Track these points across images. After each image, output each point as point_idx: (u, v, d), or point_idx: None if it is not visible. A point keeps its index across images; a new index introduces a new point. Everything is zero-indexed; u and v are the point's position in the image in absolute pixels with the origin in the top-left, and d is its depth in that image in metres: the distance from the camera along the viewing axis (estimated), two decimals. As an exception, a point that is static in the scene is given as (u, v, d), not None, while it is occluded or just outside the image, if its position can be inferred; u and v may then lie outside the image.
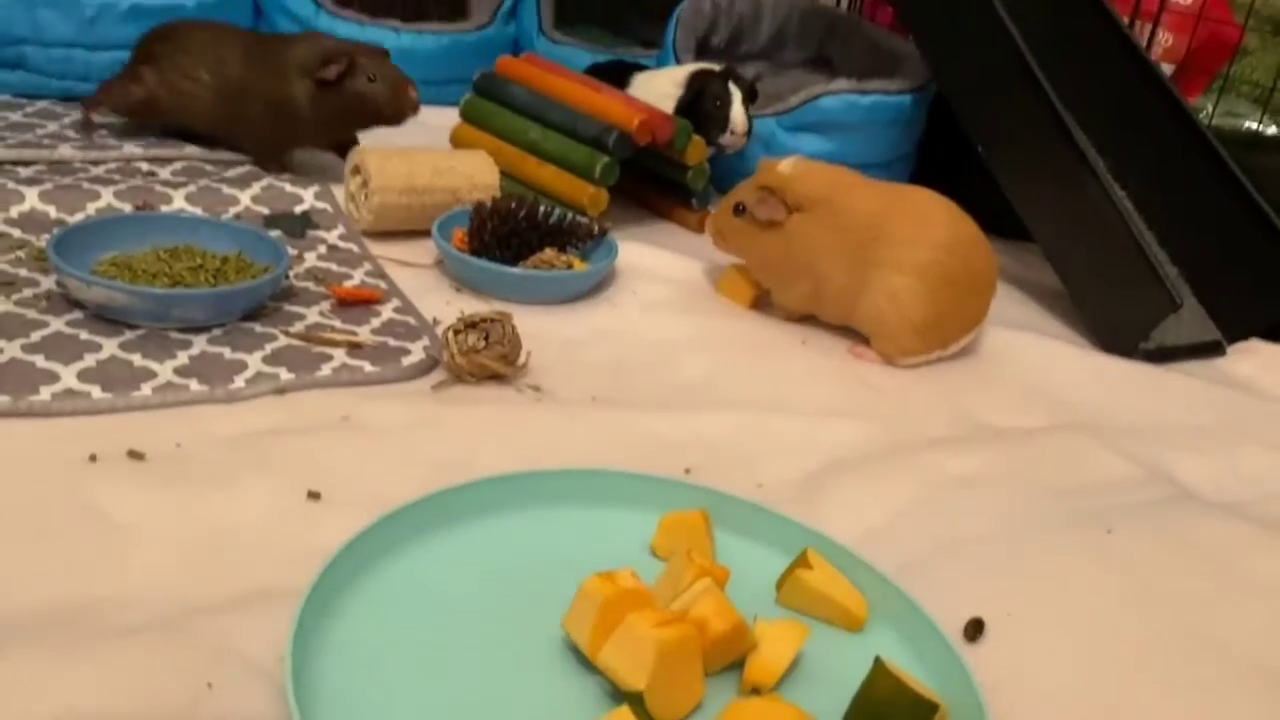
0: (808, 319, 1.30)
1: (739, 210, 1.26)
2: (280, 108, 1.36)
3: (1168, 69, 1.79)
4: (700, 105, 1.49)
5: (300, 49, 1.36)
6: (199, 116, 1.41)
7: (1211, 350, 1.43)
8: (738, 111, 1.49)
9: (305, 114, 1.36)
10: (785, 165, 1.25)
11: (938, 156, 1.75)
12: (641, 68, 1.66)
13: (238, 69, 1.37)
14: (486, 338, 1.04)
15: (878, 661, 0.69)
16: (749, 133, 1.52)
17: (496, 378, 1.05)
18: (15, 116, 1.47)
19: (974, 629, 0.79)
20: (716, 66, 1.53)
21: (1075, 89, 1.52)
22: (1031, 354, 1.31)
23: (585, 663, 0.70)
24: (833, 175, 1.26)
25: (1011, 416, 1.16)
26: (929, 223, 1.21)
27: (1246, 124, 1.83)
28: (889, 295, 1.20)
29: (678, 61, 1.73)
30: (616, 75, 1.60)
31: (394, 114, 1.37)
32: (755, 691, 0.71)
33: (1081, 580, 0.86)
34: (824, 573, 0.80)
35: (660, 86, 1.53)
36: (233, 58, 1.38)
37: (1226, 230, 1.49)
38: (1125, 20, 1.65)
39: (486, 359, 1.03)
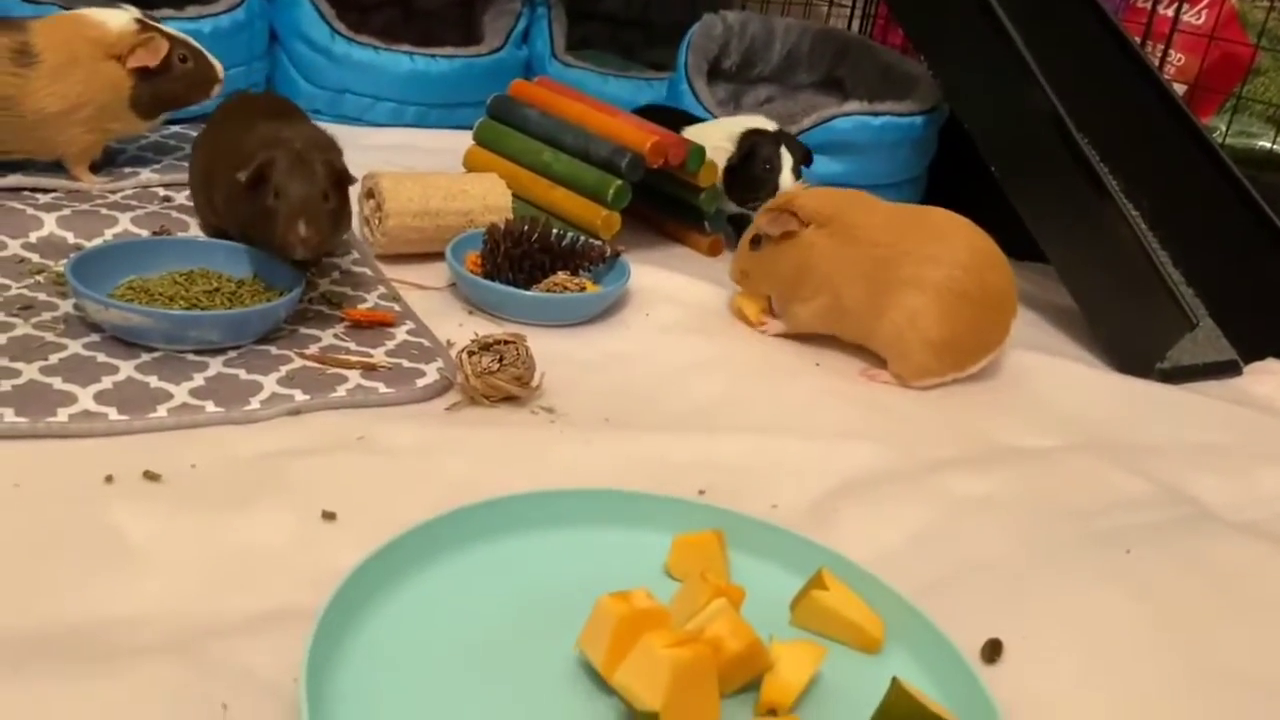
0: (821, 341, 1.29)
1: (755, 243, 1.27)
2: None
3: (1180, 89, 1.79)
4: (750, 167, 1.45)
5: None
6: None
7: (1228, 370, 1.42)
8: (787, 179, 1.45)
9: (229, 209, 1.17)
10: (793, 188, 1.26)
11: (949, 178, 1.75)
12: (691, 117, 1.62)
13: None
14: (501, 359, 1.04)
15: (895, 682, 0.69)
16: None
17: (511, 399, 1.05)
18: (35, 143, 1.48)
19: (992, 650, 0.79)
20: (770, 126, 1.49)
21: (1088, 110, 1.52)
22: (1046, 375, 1.30)
23: (600, 683, 0.70)
24: (842, 193, 1.27)
25: (1027, 437, 1.15)
26: (949, 241, 1.21)
27: (1260, 143, 1.83)
28: (908, 314, 1.19)
29: (689, 85, 1.74)
30: (670, 122, 1.54)
31: (279, 245, 1.08)
32: (772, 713, 0.70)
33: (1099, 601, 0.85)
34: (840, 593, 0.79)
35: (713, 139, 1.48)
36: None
37: (1241, 249, 1.49)
38: (1137, 40, 1.65)
39: (501, 380, 1.03)
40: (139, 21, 1.29)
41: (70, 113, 1.27)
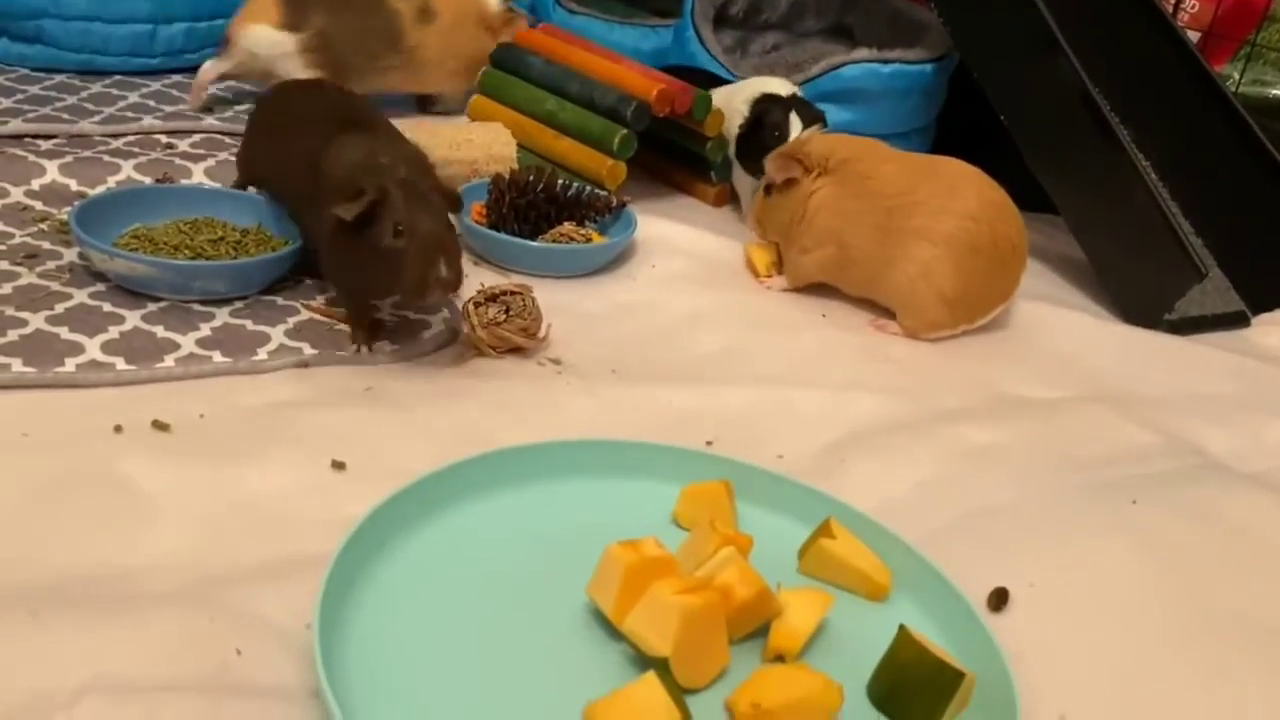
0: (828, 292, 1.29)
1: (767, 191, 1.27)
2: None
3: (1194, 36, 1.77)
4: (759, 134, 1.40)
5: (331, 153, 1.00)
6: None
7: (1236, 321, 1.41)
8: None
9: (324, 250, 1.02)
10: (808, 133, 1.25)
11: (958, 127, 1.73)
12: (715, 79, 1.59)
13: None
14: (508, 310, 1.04)
15: (902, 629, 0.69)
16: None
17: (517, 350, 1.05)
18: (34, 90, 1.47)
19: (998, 599, 0.79)
20: (785, 90, 1.44)
21: (1100, 57, 1.50)
22: (1054, 326, 1.30)
23: (610, 630, 0.71)
24: (854, 141, 1.25)
25: (1034, 388, 1.15)
26: (960, 192, 1.20)
27: (1274, 91, 1.81)
28: (920, 267, 1.18)
29: (695, 31, 1.71)
30: (693, 84, 1.49)
31: (412, 289, 0.94)
32: (779, 659, 0.71)
33: (1105, 551, 0.86)
34: (847, 542, 0.79)
35: (732, 103, 1.44)
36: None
37: (1253, 199, 1.48)
38: (1151, -13, 1.62)
39: (508, 331, 1.03)
40: (506, 5, 1.61)
41: (446, 62, 1.57)
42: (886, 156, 1.24)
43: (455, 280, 0.93)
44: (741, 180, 1.48)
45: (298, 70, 1.43)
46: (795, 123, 1.40)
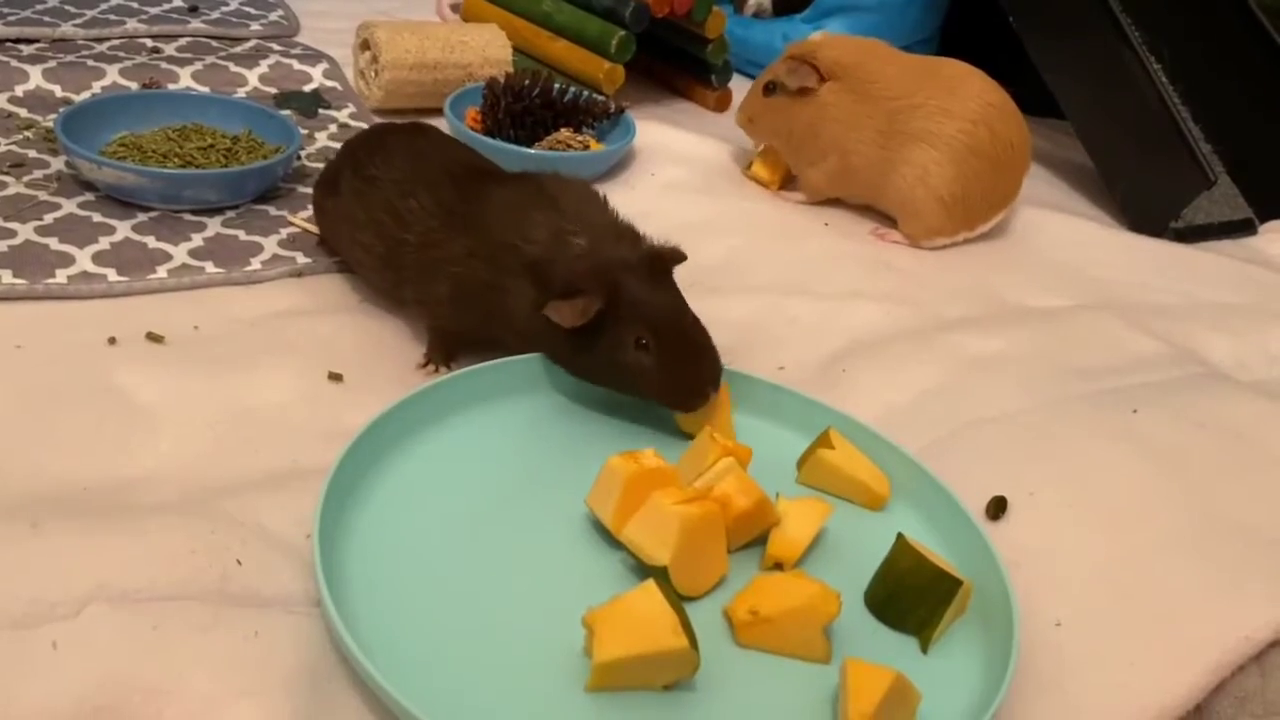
0: (830, 200, 1.27)
1: (769, 89, 1.23)
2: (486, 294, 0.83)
3: (1210, -67, 1.70)
4: None
5: (531, 234, 0.81)
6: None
7: (1243, 229, 1.39)
8: None
9: (519, 326, 0.83)
10: (815, 36, 1.22)
11: (964, 37, 1.68)
12: None
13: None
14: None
15: (900, 537, 0.69)
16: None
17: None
18: (14, -8, 1.42)
19: (996, 507, 0.79)
20: None
21: (1113, -45, 1.45)
22: (1059, 233, 1.28)
23: (609, 539, 0.71)
24: (864, 43, 1.22)
25: (1038, 296, 1.14)
26: (960, 93, 1.17)
27: (1291, -9, 1.75)
28: (919, 171, 1.17)
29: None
30: None
31: (674, 406, 0.80)
32: (778, 567, 0.71)
33: (1106, 459, 0.85)
34: (845, 452, 0.79)
35: None
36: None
37: (1264, 105, 1.44)
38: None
39: None
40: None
41: None
42: (889, 58, 1.21)
43: (717, 382, 0.79)
44: None
45: None
46: None
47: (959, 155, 1.16)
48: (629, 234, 0.83)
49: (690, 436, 0.80)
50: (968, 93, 1.17)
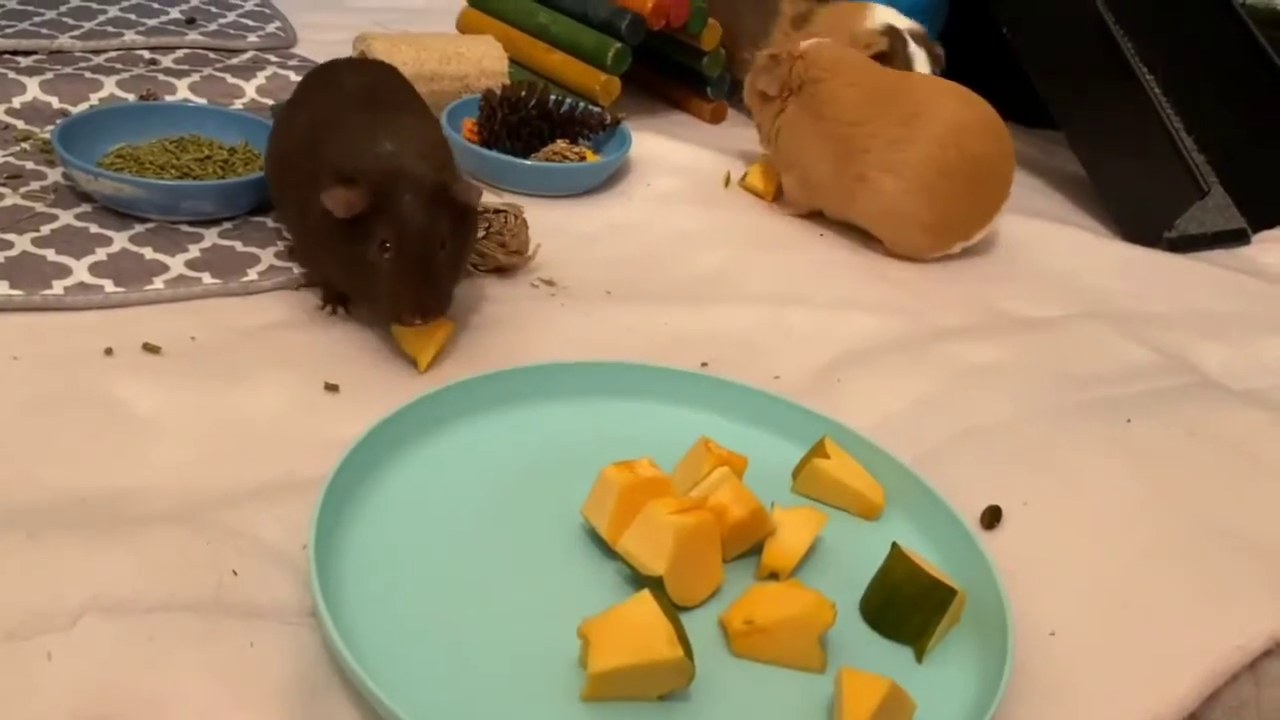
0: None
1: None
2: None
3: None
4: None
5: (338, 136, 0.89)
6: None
7: (1236, 238, 1.40)
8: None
9: (310, 224, 0.88)
10: (807, 42, 1.22)
11: (961, 47, 1.69)
12: None
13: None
14: (489, 228, 1.02)
15: (895, 547, 0.70)
16: None
17: (500, 270, 1.04)
18: (11, 4, 1.42)
19: (991, 517, 0.80)
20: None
21: (1105, -33, 1.46)
22: (1053, 243, 1.29)
23: (605, 549, 0.71)
24: (840, 58, 1.20)
25: (1032, 306, 1.14)
26: (924, 117, 1.15)
27: (1282, 2, 1.76)
28: (888, 200, 1.15)
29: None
30: None
31: (386, 312, 0.87)
32: (773, 576, 0.71)
33: (1100, 469, 0.86)
34: (841, 461, 0.80)
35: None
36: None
37: (1256, 115, 1.45)
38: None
39: (485, 248, 1.02)
40: (888, 27, 1.34)
41: None
42: (854, 78, 1.18)
43: (436, 308, 0.85)
44: None
45: None
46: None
47: (929, 182, 1.14)
48: (438, 161, 0.88)
49: (412, 360, 0.87)
50: (932, 116, 1.15)
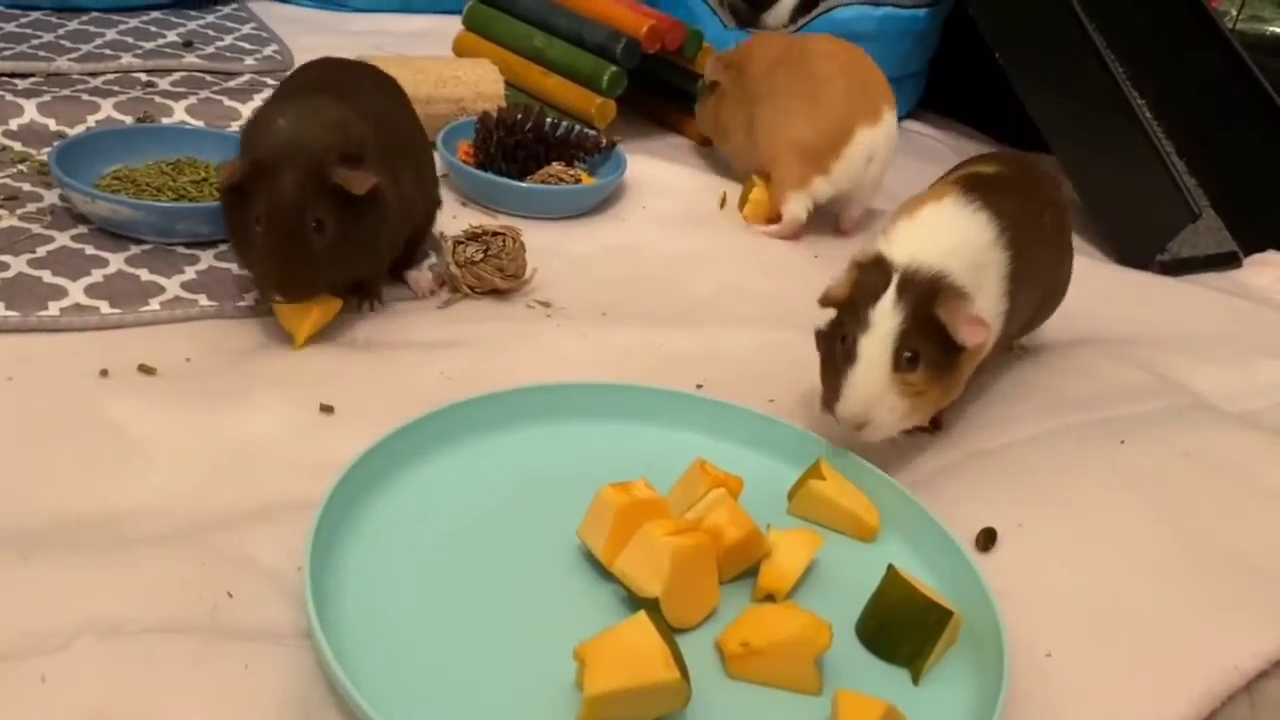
0: (819, 234, 1.28)
1: (704, 90, 1.38)
2: None
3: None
4: None
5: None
6: None
7: (1228, 261, 1.41)
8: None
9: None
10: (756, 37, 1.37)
11: (953, 73, 1.70)
12: None
13: None
14: (486, 250, 1.03)
15: (891, 569, 0.70)
16: (795, 19, 1.57)
17: (498, 292, 1.04)
18: (10, 27, 1.43)
19: (986, 539, 0.80)
20: None
21: (1096, -6, 1.48)
22: (1046, 266, 1.29)
23: (601, 571, 0.71)
24: (769, 41, 1.33)
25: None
26: (806, 62, 1.25)
27: (1271, 28, 1.78)
28: (769, 127, 1.25)
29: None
30: None
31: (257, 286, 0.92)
32: (769, 598, 0.71)
33: (1094, 490, 0.86)
34: (837, 483, 0.80)
35: None
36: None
37: (1247, 139, 1.46)
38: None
39: (483, 271, 1.02)
40: None
41: None
42: (764, 54, 1.31)
43: (296, 292, 0.86)
44: None
45: None
46: None
47: (805, 108, 1.23)
48: (338, 144, 0.86)
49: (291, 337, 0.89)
50: (812, 56, 1.25)
